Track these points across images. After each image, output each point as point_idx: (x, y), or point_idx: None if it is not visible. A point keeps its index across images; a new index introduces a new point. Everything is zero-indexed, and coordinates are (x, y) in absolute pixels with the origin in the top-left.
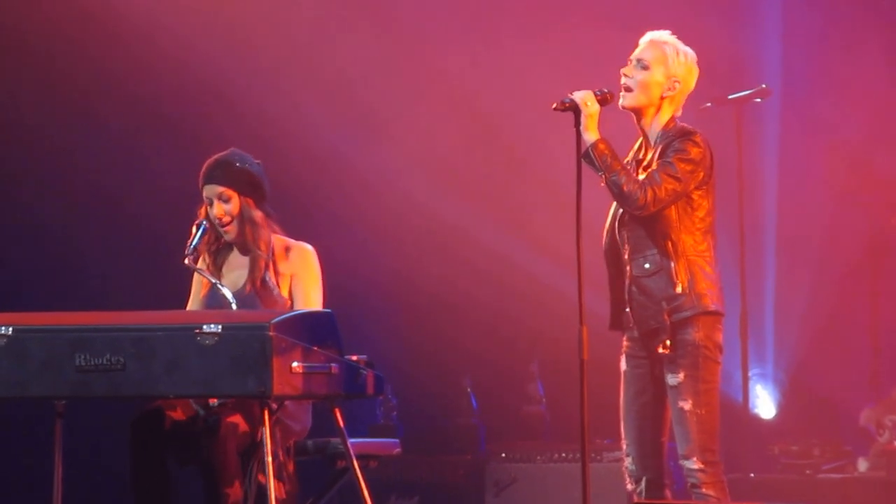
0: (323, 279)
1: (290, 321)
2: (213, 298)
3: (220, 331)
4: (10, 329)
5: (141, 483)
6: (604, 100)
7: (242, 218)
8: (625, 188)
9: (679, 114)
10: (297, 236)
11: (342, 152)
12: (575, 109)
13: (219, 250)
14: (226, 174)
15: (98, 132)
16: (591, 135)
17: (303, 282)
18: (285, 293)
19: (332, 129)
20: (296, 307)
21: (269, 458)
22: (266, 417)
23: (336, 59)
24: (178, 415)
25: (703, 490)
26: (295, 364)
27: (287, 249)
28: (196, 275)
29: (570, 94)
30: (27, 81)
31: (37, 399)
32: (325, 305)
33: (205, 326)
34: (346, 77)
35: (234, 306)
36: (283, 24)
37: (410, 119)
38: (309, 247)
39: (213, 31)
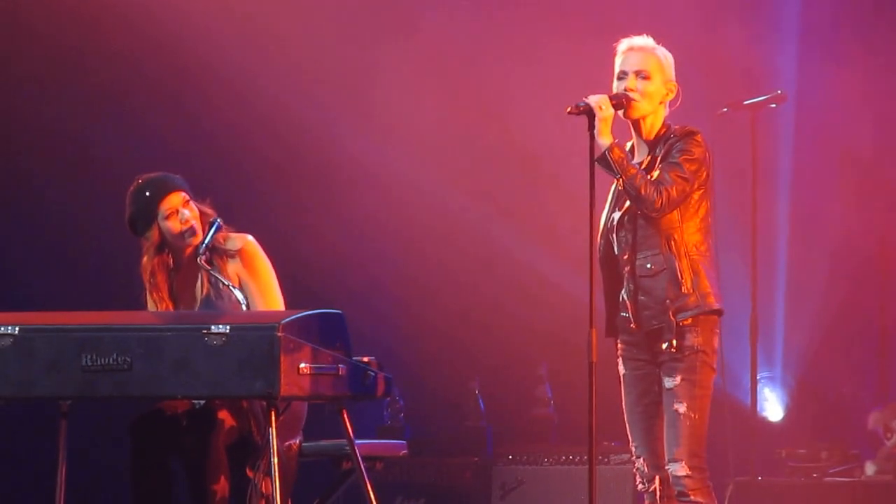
0: (290, 270)
1: (299, 322)
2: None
3: (228, 331)
4: (17, 329)
5: (141, 484)
6: (619, 104)
7: (204, 219)
8: (642, 191)
9: (667, 113)
10: (306, 236)
11: (352, 152)
12: (589, 113)
13: (170, 274)
14: (180, 182)
15: (107, 129)
16: (605, 139)
17: (253, 279)
18: (237, 289)
19: (343, 130)
20: (254, 306)
21: (276, 460)
22: (272, 418)
23: (346, 56)
24: (179, 415)
25: (691, 497)
26: (303, 365)
27: (224, 242)
28: (149, 295)
29: (584, 98)
30: (38, 79)
31: (43, 399)
32: (317, 306)
33: (213, 327)
34: (361, 78)
35: (243, 307)
36: (297, 22)
37: (424, 121)
38: (248, 237)
39: (225, 24)
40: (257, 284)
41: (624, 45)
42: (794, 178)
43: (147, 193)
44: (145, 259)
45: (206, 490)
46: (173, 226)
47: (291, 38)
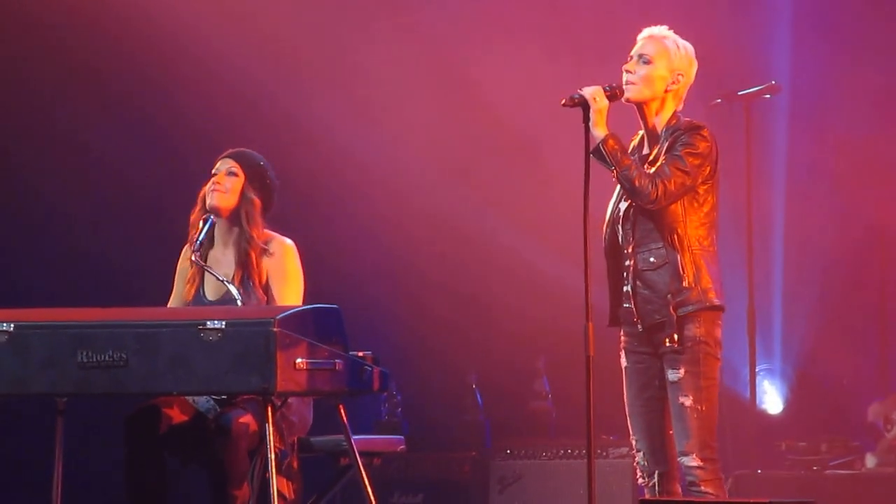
0: (304, 273)
1: (295, 316)
2: (198, 300)
3: (223, 327)
4: (12, 325)
5: (136, 480)
6: (613, 95)
7: (242, 198)
8: (636, 183)
9: (681, 107)
10: (304, 228)
11: (349, 144)
12: (584, 105)
13: (202, 245)
14: (244, 157)
15: (105, 126)
16: (600, 130)
17: (277, 280)
18: (261, 290)
19: (339, 122)
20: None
21: (272, 455)
22: (269, 414)
23: (347, 52)
24: (174, 412)
25: (702, 487)
26: (299, 360)
27: (267, 246)
28: (178, 273)
29: (579, 90)
30: (38, 74)
31: (39, 396)
32: (313, 300)
33: (208, 322)
34: (356, 70)
35: (238, 303)
36: (296, 20)
37: (419, 113)
38: (287, 241)
39: (228, 26)
40: (280, 286)
41: (642, 33)
42: (788, 169)
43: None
44: (193, 213)
45: (228, 495)
46: (208, 185)
47: (284, 31)
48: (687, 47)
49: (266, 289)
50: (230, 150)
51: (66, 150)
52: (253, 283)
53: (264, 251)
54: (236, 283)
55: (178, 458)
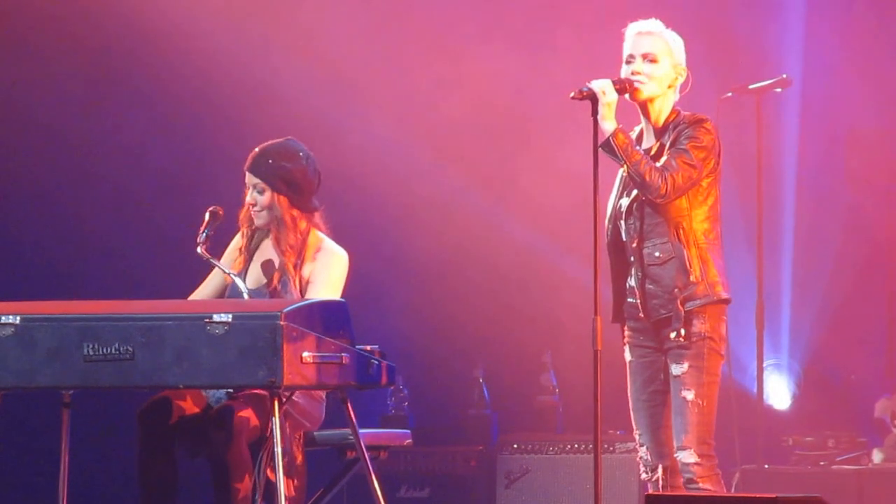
0: (346, 286)
1: (302, 310)
2: (234, 290)
3: (230, 320)
4: (18, 318)
5: (147, 473)
6: (622, 88)
7: (272, 215)
8: (647, 177)
9: (678, 98)
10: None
11: (355, 139)
12: (593, 98)
13: (256, 231)
14: (265, 168)
15: (108, 121)
16: (609, 124)
17: (316, 284)
18: (298, 292)
19: (341, 114)
20: None
21: (279, 450)
22: (276, 408)
23: (346, 43)
24: (187, 405)
25: (700, 484)
26: (306, 354)
27: (318, 250)
28: (224, 258)
29: (588, 83)
30: (39, 72)
31: (44, 389)
32: None
33: (215, 316)
34: (358, 62)
35: (245, 296)
36: (290, 6)
37: (426, 106)
38: (339, 251)
39: (224, 19)
40: (317, 290)
41: (632, 28)
42: (799, 163)
43: (250, 155)
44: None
45: (230, 488)
46: (247, 198)
47: (294, 29)
48: (678, 39)
49: (304, 292)
50: (254, 156)
51: (72, 142)
52: (289, 285)
53: (313, 255)
54: (275, 282)
55: (186, 450)
